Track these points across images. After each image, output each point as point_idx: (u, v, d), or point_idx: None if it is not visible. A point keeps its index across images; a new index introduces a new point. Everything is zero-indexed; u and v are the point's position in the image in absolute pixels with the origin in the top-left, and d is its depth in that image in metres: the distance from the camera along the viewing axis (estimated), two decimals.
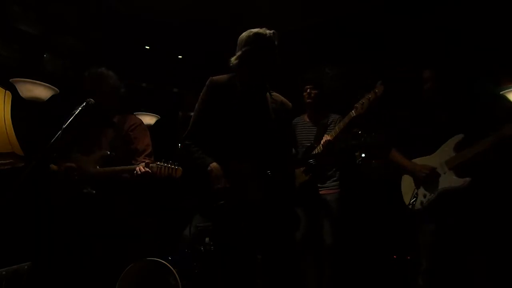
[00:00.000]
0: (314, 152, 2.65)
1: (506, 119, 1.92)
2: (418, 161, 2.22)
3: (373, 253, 3.34)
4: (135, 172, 2.19)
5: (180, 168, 2.17)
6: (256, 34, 1.85)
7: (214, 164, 1.86)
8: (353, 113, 2.35)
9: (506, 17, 3.11)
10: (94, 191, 2.24)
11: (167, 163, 2.17)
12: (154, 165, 2.17)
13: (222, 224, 1.98)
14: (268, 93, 2.01)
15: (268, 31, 1.85)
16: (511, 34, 3.09)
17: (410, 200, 2.18)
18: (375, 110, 2.34)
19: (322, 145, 2.56)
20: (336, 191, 2.81)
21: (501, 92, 3.23)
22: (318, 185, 2.80)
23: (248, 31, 1.89)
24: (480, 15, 3.21)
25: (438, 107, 2.24)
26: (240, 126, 1.90)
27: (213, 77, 1.96)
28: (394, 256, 3.24)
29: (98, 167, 2.29)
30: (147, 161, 2.24)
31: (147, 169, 2.17)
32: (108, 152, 2.31)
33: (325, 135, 2.60)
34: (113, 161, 2.30)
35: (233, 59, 1.88)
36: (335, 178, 2.86)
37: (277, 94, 2.06)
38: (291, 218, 2.28)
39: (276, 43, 1.86)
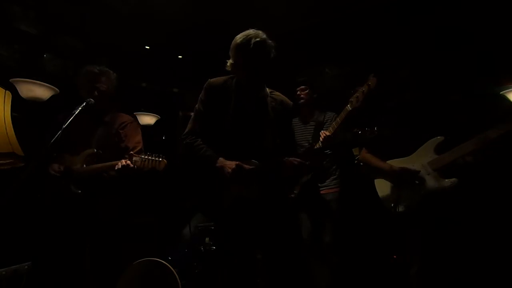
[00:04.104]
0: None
1: (505, 119, 1.91)
2: (395, 162, 2.19)
3: (373, 253, 3.33)
4: (116, 167, 2.17)
5: (164, 160, 2.13)
6: (238, 45, 1.81)
7: (221, 160, 1.88)
8: (348, 107, 2.37)
9: (506, 17, 3.11)
10: (79, 191, 2.23)
11: (151, 156, 2.14)
12: (138, 158, 2.14)
13: (223, 223, 1.99)
14: (267, 92, 2.02)
15: (254, 39, 1.78)
16: (511, 34, 3.09)
17: (393, 203, 2.14)
18: (372, 104, 2.33)
19: (321, 141, 2.57)
20: (336, 190, 2.82)
21: (501, 92, 3.23)
22: (319, 184, 2.81)
23: (235, 38, 1.85)
24: (480, 15, 3.21)
25: (414, 109, 2.23)
26: (236, 127, 1.92)
27: (211, 79, 1.99)
28: (394, 256, 3.24)
29: (84, 165, 2.28)
30: (131, 153, 2.20)
31: (128, 162, 2.15)
32: (95, 150, 2.29)
33: (322, 132, 2.60)
34: (101, 159, 2.28)
35: (228, 64, 1.90)
36: (335, 177, 2.86)
37: (278, 93, 2.06)
38: (288, 216, 2.29)
39: (265, 46, 1.81)
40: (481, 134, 1.91)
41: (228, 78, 1.99)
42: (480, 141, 1.91)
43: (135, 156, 2.17)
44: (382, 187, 2.24)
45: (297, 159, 1.85)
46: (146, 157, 2.13)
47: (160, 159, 2.12)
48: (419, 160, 2.10)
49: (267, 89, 2.02)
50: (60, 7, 3.50)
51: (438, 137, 2.08)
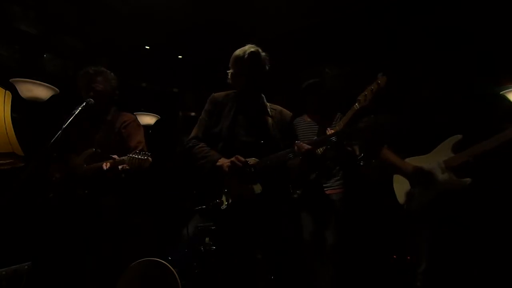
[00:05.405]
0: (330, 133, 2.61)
1: (506, 119, 1.91)
2: (413, 160, 2.19)
3: (374, 253, 3.34)
4: (103, 167, 2.18)
5: (149, 158, 2.13)
6: (235, 56, 2.01)
7: (222, 159, 1.92)
8: (356, 106, 2.32)
9: (506, 17, 3.11)
10: (85, 191, 2.24)
11: (138, 154, 2.13)
12: (126, 157, 2.15)
13: (223, 223, 2.00)
14: (266, 102, 2.12)
15: (248, 50, 1.98)
16: (511, 34, 3.09)
17: (406, 200, 2.17)
18: (380, 103, 2.32)
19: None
20: (340, 191, 2.81)
21: (501, 92, 3.24)
22: (323, 184, 2.80)
23: (235, 52, 2.03)
24: (480, 15, 3.21)
25: (434, 108, 2.23)
26: (237, 130, 1.99)
27: (215, 93, 2.16)
28: (394, 256, 3.24)
29: (85, 165, 2.29)
30: (114, 156, 2.22)
31: (108, 165, 2.17)
32: (94, 149, 2.30)
33: (329, 129, 2.57)
34: (103, 158, 2.28)
35: (229, 74, 2.07)
36: (338, 177, 2.85)
37: (277, 106, 2.17)
38: (289, 216, 2.29)
39: (258, 56, 1.99)
40: (499, 133, 1.89)
41: (231, 92, 2.13)
42: (497, 140, 1.89)
43: (117, 158, 2.18)
44: (399, 183, 2.25)
45: (307, 146, 1.87)
46: (132, 155, 2.13)
47: (145, 157, 2.12)
48: (436, 158, 2.09)
49: (267, 103, 2.14)
50: (60, 7, 3.50)
51: (456, 135, 2.07)
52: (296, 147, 1.88)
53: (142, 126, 2.65)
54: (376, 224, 3.37)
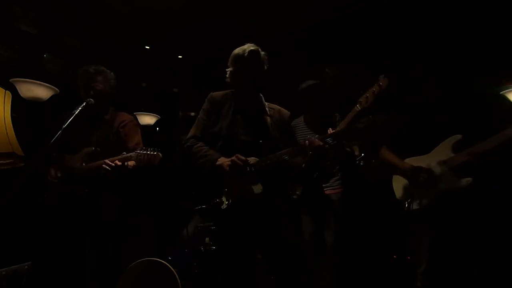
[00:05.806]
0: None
1: (506, 119, 1.91)
2: (413, 160, 2.19)
3: (374, 253, 3.33)
4: (110, 163, 2.16)
5: (159, 154, 2.10)
6: (235, 55, 2.02)
7: (222, 158, 1.92)
8: (358, 107, 2.33)
9: (506, 17, 3.11)
10: (85, 190, 2.23)
11: (146, 150, 2.10)
12: (134, 154, 2.12)
13: (223, 223, 2.00)
14: (264, 102, 2.12)
15: (248, 48, 1.99)
16: (511, 34, 3.09)
17: (407, 201, 2.16)
18: (380, 104, 2.32)
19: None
20: (339, 191, 2.81)
21: (501, 92, 3.24)
22: (322, 184, 2.80)
23: (234, 50, 2.04)
24: (480, 15, 3.22)
25: (434, 108, 2.23)
26: (236, 129, 2.00)
27: (213, 93, 2.16)
28: (394, 256, 3.24)
29: (83, 164, 2.28)
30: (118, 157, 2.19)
31: (107, 165, 2.16)
32: (93, 148, 2.29)
33: (329, 129, 2.57)
34: (102, 157, 2.26)
35: (227, 72, 2.07)
36: (337, 177, 2.86)
37: (275, 105, 2.18)
38: (289, 216, 2.29)
39: (257, 55, 2.00)
40: (501, 132, 1.89)
41: (229, 92, 2.14)
42: (497, 140, 1.89)
43: (125, 154, 2.17)
44: (398, 184, 2.24)
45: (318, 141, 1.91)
46: (141, 152, 2.10)
47: (155, 153, 2.09)
48: (436, 158, 2.09)
49: (265, 102, 2.14)
50: (60, 7, 3.50)
51: (456, 135, 2.07)
52: (307, 142, 1.90)
53: (142, 126, 2.65)
54: (376, 224, 3.37)
